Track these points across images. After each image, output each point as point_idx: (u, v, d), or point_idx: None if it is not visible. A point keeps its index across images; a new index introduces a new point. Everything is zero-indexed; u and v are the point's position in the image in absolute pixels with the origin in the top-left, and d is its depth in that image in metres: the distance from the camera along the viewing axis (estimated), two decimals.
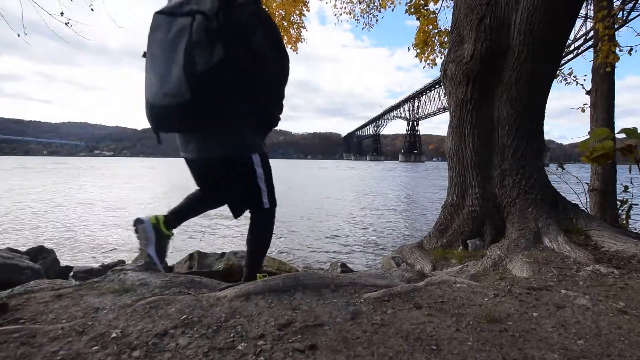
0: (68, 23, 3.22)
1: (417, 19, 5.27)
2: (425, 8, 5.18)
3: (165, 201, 11.59)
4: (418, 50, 5.49)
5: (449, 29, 3.18)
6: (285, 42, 5.92)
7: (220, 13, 1.10)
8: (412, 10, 5.17)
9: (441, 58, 5.57)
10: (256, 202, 1.38)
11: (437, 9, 5.29)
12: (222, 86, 1.13)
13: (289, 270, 3.24)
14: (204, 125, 1.20)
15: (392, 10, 6.45)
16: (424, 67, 5.62)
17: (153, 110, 1.18)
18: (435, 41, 5.38)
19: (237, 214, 1.48)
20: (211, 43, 1.08)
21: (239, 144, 1.28)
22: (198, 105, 1.10)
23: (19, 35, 3.10)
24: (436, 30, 5.31)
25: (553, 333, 1.09)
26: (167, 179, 23.56)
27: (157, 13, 1.19)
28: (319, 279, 1.51)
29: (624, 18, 4.94)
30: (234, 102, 1.20)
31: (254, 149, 1.32)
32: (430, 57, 5.56)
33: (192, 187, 1.51)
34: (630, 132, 0.84)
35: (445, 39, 5.27)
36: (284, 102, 1.31)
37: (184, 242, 6.11)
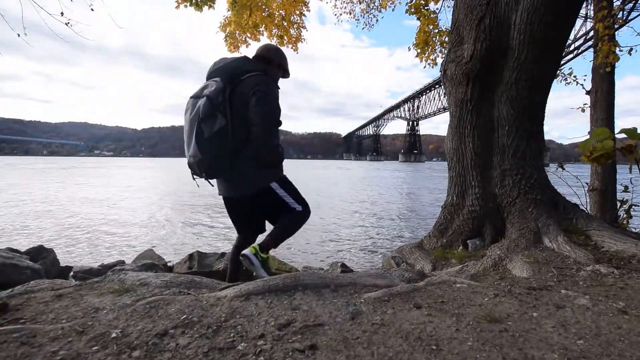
0: (68, 23, 3.22)
1: (418, 19, 5.27)
2: (426, 8, 5.18)
3: (164, 201, 11.59)
4: (419, 50, 5.49)
5: (449, 28, 3.18)
6: (285, 42, 5.93)
7: (227, 88, 1.52)
8: (413, 10, 5.16)
9: (442, 58, 5.56)
10: (288, 211, 1.72)
11: (437, 8, 5.29)
12: (225, 145, 1.51)
13: (289, 270, 3.24)
14: (220, 174, 1.62)
15: (393, 10, 6.45)
16: (425, 67, 5.62)
17: (189, 165, 1.62)
18: (436, 41, 5.38)
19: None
20: (214, 115, 1.48)
21: (255, 181, 1.63)
22: (210, 161, 1.53)
23: (19, 35, 3.10)
24: (437, 30, 5.30)
25: (553, 333, 1.09)
26: (166, 178, 23.57)
27: (190, 98, 1.61)
28: (319, 279, 1.51)
29: (624, 18, 4.95)
30: (239, 153, 1.57)
31: (270, 179, 1.66)
32: (431, 57, 5.56)
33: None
34: (630, 132, 0.84)
35: (446, 39, 5.26)
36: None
37: (184, 242, 6.11)
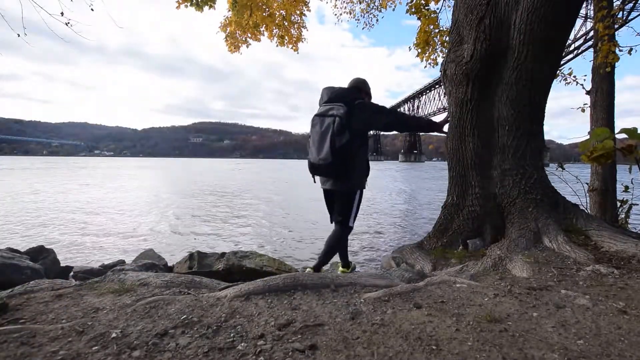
0: (68, 23, 3.22)
1: (418, 18, 5.26)
2: (426, 8, 5.17)
3: (164, 202, 11.59)
4: (419, 50, 5.48)
5: (450, 28, 3.18)
6: (286, 41, 5.93)
7: (349, 113, 2.04)
8: (413, 10, 5.16)
9: (442, 57, 5.56)
10: (346, 220, 2.25)
11: (438, 8, 5.28)
12: (347, 153, 2.06)
13: (289, 271, 3.24)
14: (335, 173, 2.13)
15: (393, 10, 6.44)
16: (425, 66, 5.61)
17: (314, 166, 2.15)
18: (437, 41, 5.37)
19: (334, 221, 2.35)
20: (343, 131, 2.02)
21: (353, 184, 2.22)
22: (335, 164, 2.05)
23: (19, 36, 3.10)
24: (437, 30, 5.29)
25: (553, 333, 1.09)
26: (166, 179, 23.56)
27: (315, 115, 2.15)
28: (319, 279, 1.51)
29: (624, 18, 4.94)
30: (354, 161, 2.14)
31: (359, 187, 2.27)
32: (432, 57, 5.55)
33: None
34: (630, 132, 0.84)
35: (447, 39, 5.26)
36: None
37: (184, 242, 6.11)
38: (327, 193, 2.35)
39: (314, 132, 2.13)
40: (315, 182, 2.34)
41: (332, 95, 2.17)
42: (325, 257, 2.37)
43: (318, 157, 2.07)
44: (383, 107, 2.20)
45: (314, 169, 2.16)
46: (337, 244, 2.38)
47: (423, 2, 5.13)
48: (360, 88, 2.34)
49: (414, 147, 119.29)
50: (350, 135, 2.03)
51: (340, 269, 2.64)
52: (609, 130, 0.92)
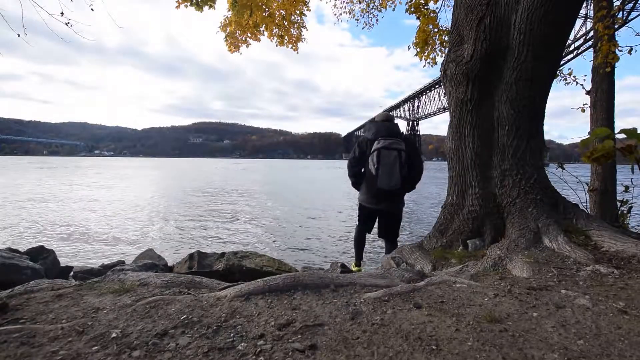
0: (68, 23, 3.21)
1: (417, 18, 5.26)
2: (426, 7, 5.17)
3: (164, 202, 11.59)
4: (418, 50, 5.48)
5: (449, 28, 3.18)
6: (286, 41, 5.92)
7: (407, 146, 2.61)
8: (413, 9, 5.16)
9: (441, 57, 5.56)
10: (395, 235, 2.88)
11: (437, 7, 5.28)
12: (406, 181, 2.62)
13: (289, 270, 3.24)
14: (396, 196, 2.68)
15: (393, 9, 6.43)
16: (424, 65, 5.61)
17: (383, 191, 2.59)
18: (436, 40, 5.37)
19: (383, 237, 2.93)
20: (406, 163, 2.57)
21: (401, 203, 2.80)
22: (401, 189, 2.60)
23: (19, 35, 3.10)
24: (436, 30, 5.29)
25: (553, 333, 1.09)
26: (167, 179, 23.56)
27: (383, 149, 2.58)
28: (319, 279, 1.51)
29: (624, 18, 4.94)
30: (405, 186, 2.66)
31: (404, 206, 2.85)
32: (431, 56, 5.55)
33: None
34: (630, 132, 0.84)
35: (446, 38, 5.26)
36: None
37: (184, 242, 6.11)
38: (376, 212, 2.79)
39: (385, 162, 2.55)
40: (369, 203, 2.81)
41: (390, 132, 2.64)
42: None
43: (390, 183, 2.55)
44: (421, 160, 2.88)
45: (385, 193, 2.60)
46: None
47: (422, 1, 5.12)
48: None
49: None
50: (408, 165, 2.59)
51: (355, 267, 3.12)
52: (609, 130, 0.92)
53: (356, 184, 2.81)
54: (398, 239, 2.90)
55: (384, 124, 2.66)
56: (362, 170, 2.71)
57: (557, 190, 2.77)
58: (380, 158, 2.51)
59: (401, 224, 2.85)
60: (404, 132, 2.75)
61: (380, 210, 2.76)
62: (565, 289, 1.53)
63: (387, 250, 2.85)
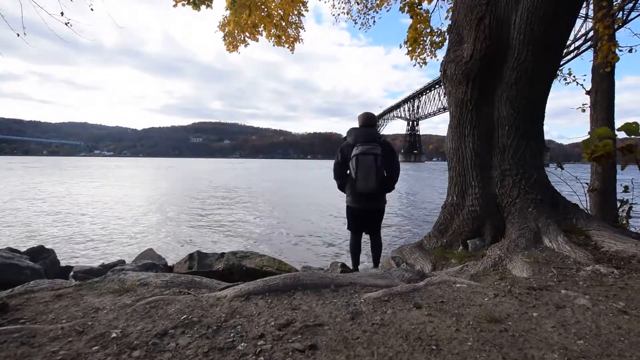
0: (68, 23, 3.21)
1: (411, 17, 5.28)
2: (419, 7, 5.19)
3: (164, 202, 11.59)
4: (409, 48, 5.49)
5: (442, 29, 3.19)
6: (283, 41, 5.92)
7: (382, 151, 2.67)
8: (406, 9, 5.18)
9: (431, 57, 5.60)
10: (378, 229, 2.95)
11: (430, 9, 5.31)
12: (383, 182, 2.74)
13: (289, 270, 3.24)
14: (374, 197, 2.76)
15: (388, 11, 6.44)
16: (415, 65, 5.63)
17: (363, 194, 2.72)
18: (427, 40, 5.38)
19: (369, 234, 2.99)
20: (382, 166, 2.68)
21: (383, 202, 2.86)
22: (378, 191, 2.70)
23: (18, 35, 3.10)
24: (428, 30, 5.31)
25: (553, 333, 1.09)
26: (166, 179, 23.56)
27: (360, 154, 2.66)
28: (319, 279, 1.51)
29: (624, 18, 4.94)
30: (382, 188, 2.77)
31: (386, 203, 2.91)
32: (421, 57, 5.56)
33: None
34: (629, 126, 0.83)
35: (437, 39, 5.29)
36: None
37: (184, 242, 6.11)
38: (361, 211, 2.89)
39: (362, 166, 2.68)
40: (353, 203, 2.90)
41: (368, 137, 2.74)
42: (376, 261, 3.00)
43: (367, 186, 2.68)
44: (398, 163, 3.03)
45: (365, 195, 2.74)
46: (380, 249, 3.00)
47: (416, 1, 5.14)
48: (375, 124, 2.98)
49: (414, 147, 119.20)
50: (382, 167, 2.71)
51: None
52: (610, 129, 0.91)
53: (341, 187, 2.97)
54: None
55: (362, 130, 2.80)
56: (347, 172, 2.85)
57: (557, 190, 2.77)
58: (358, 163, 2.66)
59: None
60: (382, 136, 2.82)
61: (364, 209, 2.88)
62: (565, 289, 1.53)
63: (372, 243, 2.99)
